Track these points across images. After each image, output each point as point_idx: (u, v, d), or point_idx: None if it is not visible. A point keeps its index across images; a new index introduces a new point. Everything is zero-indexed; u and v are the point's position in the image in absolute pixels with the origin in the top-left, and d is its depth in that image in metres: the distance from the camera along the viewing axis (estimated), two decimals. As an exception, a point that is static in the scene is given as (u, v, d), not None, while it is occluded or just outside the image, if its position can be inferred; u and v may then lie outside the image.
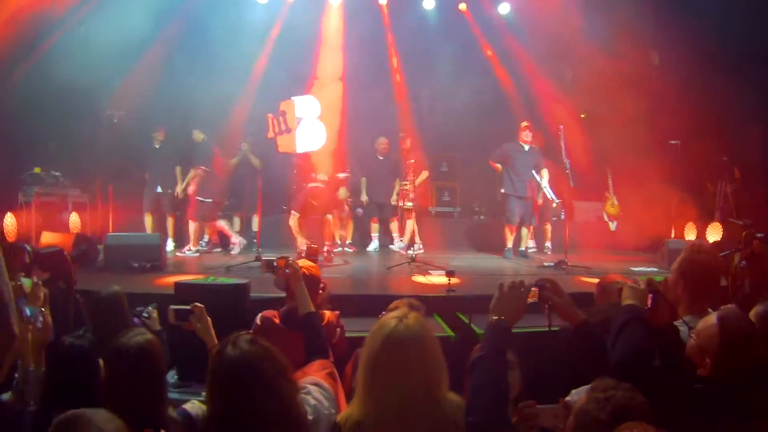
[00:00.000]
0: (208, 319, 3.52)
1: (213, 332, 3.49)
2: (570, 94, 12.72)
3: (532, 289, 2.77)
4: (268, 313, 4.24)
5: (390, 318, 2.56)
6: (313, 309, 3.64)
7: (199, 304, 3.54)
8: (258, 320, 4.23)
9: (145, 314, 4.59)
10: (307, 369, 3.12)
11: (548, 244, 11.33)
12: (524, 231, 10.82)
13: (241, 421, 2.37)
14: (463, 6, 13.49)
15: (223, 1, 12.30)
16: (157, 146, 11.19)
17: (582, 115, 12.91)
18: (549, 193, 10.20)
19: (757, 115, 10.78)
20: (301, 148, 12.68)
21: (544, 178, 10.30)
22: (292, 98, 14.16)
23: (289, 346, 2.96)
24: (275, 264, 3.78)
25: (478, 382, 2.49)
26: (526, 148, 10.54)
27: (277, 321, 4.18)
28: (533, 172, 10.38)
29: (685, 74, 11.13)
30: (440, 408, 2.45)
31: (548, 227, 11.42)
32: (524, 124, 10.64)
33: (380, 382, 2.46)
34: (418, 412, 2.42)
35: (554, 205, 10.32)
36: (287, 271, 3.73)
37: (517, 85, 13.37)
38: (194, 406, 2.92)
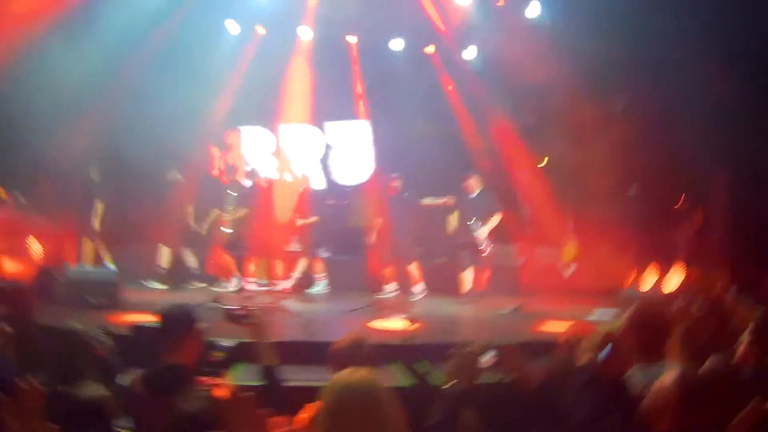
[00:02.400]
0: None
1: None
2: (532, 140, 12.92)
3: (489, 356, 2.78)
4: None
5: (341, 375, 2.54)
6: (276, 361, 3.59)
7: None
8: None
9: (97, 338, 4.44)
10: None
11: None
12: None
13: None
14: (430, 49, 13.64)
15: (195, 30, 12.28)
16: None
17: (543, 162, 13.07)
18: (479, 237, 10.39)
19: (722, 160, 10.96)
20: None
21: (486, 225, 10.46)
22: (239, 128, 13.88)
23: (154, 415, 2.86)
24: (237, 314, 3.71)
25: None
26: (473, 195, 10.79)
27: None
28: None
29: (648, 120, 11.37)
30: None
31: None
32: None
33: None
34: None
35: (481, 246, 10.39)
36: (248, 320, 3.66)
37: (480, 129, 13.52)
38: None
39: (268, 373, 3.54)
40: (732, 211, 11.09)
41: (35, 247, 10.28)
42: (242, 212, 10.66)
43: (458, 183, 11.01)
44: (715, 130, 10.46)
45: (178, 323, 3.75)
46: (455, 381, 2.65)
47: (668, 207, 11.39)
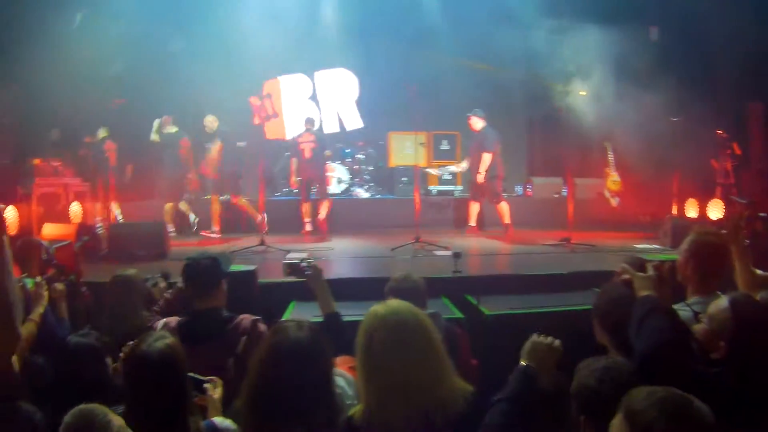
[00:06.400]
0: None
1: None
2: (570, 72, 12.74)
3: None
4: (170, 320, 3.88)
5: (374, 307, 2.69)
6: (335, 309, 3.66)
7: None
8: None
9: (152, 282, 4.67)
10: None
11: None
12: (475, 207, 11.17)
13: (284, 395, 2.47)
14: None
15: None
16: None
17: (582, 93, 12.89)
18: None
19: (758, 92, 10.77)
20: (291, 134, 12.68)
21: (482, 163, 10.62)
22: (278, 77, 13.99)
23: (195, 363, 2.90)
24: (301, 265, 3.77)
25: (492, 423, 2.54)
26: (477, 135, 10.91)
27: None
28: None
29: (683, 50, 11.16)
30: (437, 394, 2.51)
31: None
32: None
33: (370, 371, 2.56)
34: (412, 399, 2.48)
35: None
36: (308, 272, 3.72)
37: (518, 63, 13.35)
38: (223, 421, 2.84)
39: (331, 320, 3.62)
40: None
41: (75, 210, 10.43)
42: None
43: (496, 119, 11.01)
44: (751, 64, 10.27)
45: (210, 271, 3.84)
46: (531, 363, 2.67)
47: (708, 139, 11.19)
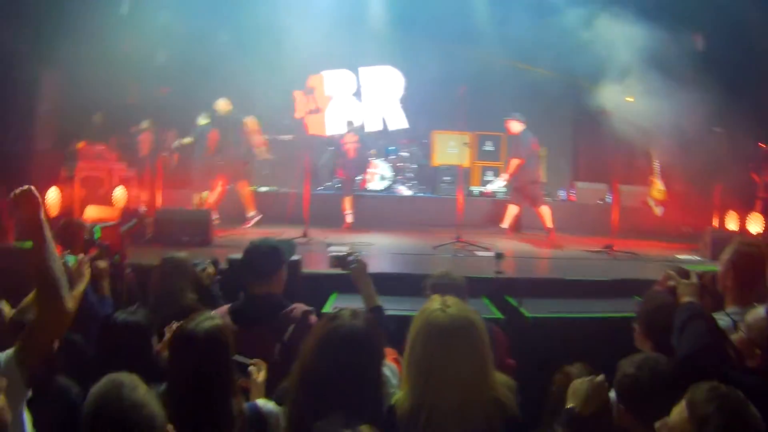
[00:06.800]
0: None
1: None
2: (616, 77, 12.67)
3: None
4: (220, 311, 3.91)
5: (432, 305, 2.70)
6: (379, 303, 3.67)
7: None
8: None
9: (201, 267, 4.75)
10: None
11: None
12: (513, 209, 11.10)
13: (336, 380, 2.57)
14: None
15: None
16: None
17: (629, 99, 12.81)
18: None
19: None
20: (331, 130, 12.81)
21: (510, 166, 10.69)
22: (322, 72, 14.10)
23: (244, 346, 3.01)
24: (348, 258, 3.80)
25: None
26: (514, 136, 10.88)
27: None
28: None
29: (730, 60, 11.01)
30: (488, 394, 2.58)
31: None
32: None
33: (422, 370, 2.60)
34: (465, 399, 2.55)
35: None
36: (353, 266, 3.74)
37: (564, 65, 13.30)
38: (266, 403, 2.88)
39: (375, 314, 3.59)
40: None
41: (119, 194, 10.63)
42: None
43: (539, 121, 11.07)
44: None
45: (269, 258, 3.94)
46: (576, 405, 2.71)
47: (750, 151, 11.04)
